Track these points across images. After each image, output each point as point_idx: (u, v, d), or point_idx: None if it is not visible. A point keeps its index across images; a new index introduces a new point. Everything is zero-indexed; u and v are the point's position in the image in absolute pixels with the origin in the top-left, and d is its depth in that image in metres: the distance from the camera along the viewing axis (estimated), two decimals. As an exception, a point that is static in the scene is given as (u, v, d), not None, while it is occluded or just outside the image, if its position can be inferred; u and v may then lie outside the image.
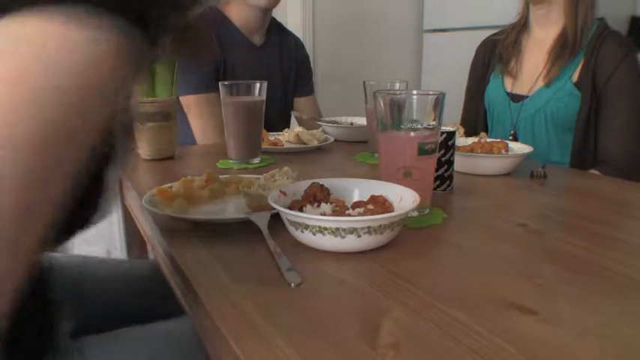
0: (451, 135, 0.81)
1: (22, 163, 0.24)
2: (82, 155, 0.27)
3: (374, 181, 0.68)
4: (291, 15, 2.49)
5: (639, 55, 1.27)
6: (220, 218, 0.68)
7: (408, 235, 0.62)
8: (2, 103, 0.24)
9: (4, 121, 0.23)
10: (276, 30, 1.63)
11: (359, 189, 0.67)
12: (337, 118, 1.46)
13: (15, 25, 0.26)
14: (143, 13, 0.29)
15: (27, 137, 0.24)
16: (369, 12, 2.67)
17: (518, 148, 0.99)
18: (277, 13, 1.63)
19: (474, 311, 0.43)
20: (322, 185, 0.64)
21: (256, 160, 1.06)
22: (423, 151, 0.68)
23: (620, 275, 0.52)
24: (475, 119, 1.53)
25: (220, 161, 1.06)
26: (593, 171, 1.22)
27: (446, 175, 0.82)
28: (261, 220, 0.62)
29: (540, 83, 1.33)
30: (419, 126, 0.68)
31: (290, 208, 0.59)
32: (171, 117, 1.09)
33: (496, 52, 1.46)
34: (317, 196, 0.62)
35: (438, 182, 0.81)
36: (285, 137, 1.24)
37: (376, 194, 0.63)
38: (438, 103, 0.68)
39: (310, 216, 0.55)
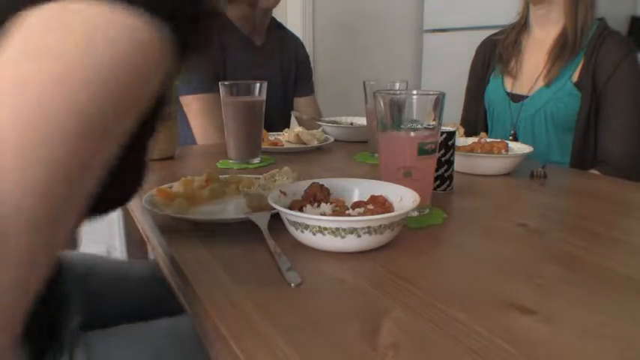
0: (451, 135, 0.81)
1: (75, 148, 0.25)
2: (124, 137, 0.29)
3: (374, 181, 0.68)
4: (291, 15, 2.49)
5: (639, 55, 1.27)
6: (220, 218, 0.68)
7: (408, 235, 0.62)
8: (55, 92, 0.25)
9: (54, 108, 0.24)
10: (276, 30, 1.63)
11: (359, 189, 0.67)
12: (337, 118, 1.46)
13: (66, 10, 0.26)
14: (175, 12, 0.29)
15: (72, 126, 0.25)
16: (369, 12, 2.67)
17: (518, 148, 0.99)
18: (277, 13, 1.63)
19: (474, 311, 0.43)
20: (322, 185, 0.64)
21: (256, 160, 1.06)
22: (423, 151, 0.68)
23: (620, 275, 0.52)
24: (475, 119, 1.53)
25: (220, 161, 1.06)
26: (593, 171, 1.22)
27: (446, 175, 0.82)
28: (261, 220, 0.62)
29: (540, 83, 1.33)
30: (419, 126, 0.68)
31: (290, 208, 0.59)
32: (171, 117, 1.09)
33: (496, 52, 1.46)
34: (317, 196, 0.62)
35: (438, 182, 0.81)
36: (285, 137, 1.24)
37: (376, 194, 0.63)
38: (438, 103, 0.68)
39: (310, 216, 0.55)
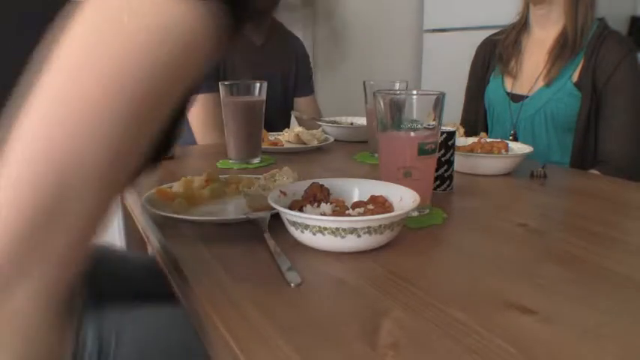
0: (451, 135, 0.81)
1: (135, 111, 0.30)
2: (175, 103, 0.33)
3: (374, 181, 0.68)
4: (291, 15, 2.49)
5: (639, 55, 1.27)
6: (220, 218, 0.68)
7: (408, 235, 0.62)
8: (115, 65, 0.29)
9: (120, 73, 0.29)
10: (276, 29, 1.63)
11: (359, 189, 0.67)
12: (337, 118, 1.46)
13: None
14: None
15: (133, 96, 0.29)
16: (369, 12, 2.67)
17: (518, 148, 0.99)
18: (277, 13, 1.63)
19: (474, 311, 0.43)
20: (322, 185, 0.64)
21: (256, 160, 1.06)
22: (423, 151, 0.68)
23: (619, 275, 0.52)
24: (475, 119, 1.52)
25: (220, 161, 1.06)
26: (593, 171, 1.22)
27: (446, 175, 0.82)
28: (261, 220, 0.62)
29: (540, 83, 1.33)
30: (419, 126, 0.68)
31: (290, 208, 0.59)
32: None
33: (496, 52, 1.46)
34: (317, 196, 0.62)
35: (438, 182, 0.81)
36: (285, 137, 1.24)
37: (376, 194, 0.63)
38: (438, 103, 0.68)
39: (310, 216, 0.55)
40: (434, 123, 0.69)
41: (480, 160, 0.93)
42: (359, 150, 1.17)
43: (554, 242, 0.62)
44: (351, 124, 1.40)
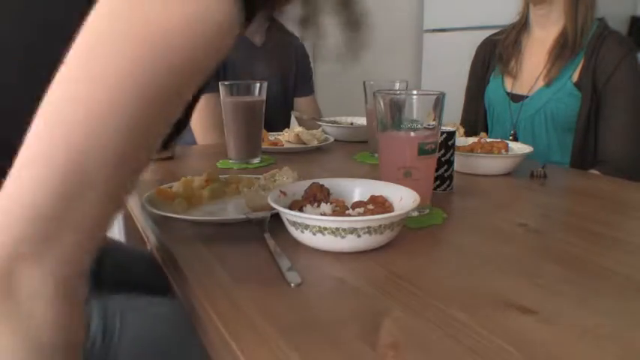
0: (451, 135, 0.81)
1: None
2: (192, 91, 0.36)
3: (374, 181, 0.68)
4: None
5: (639, 55, 1.27)
6: (220, 218, 0.68)
7: (408, 235, 0.62)
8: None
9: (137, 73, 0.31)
10: (276, 29, 1.63)
11: (359, 189, 0.67)
12: (337, 118, 1.46)
13: None
14: None
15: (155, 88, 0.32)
16: (368, 12, 2.67)
17: (518, 148, 0.99)
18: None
19: (474, 311, 0.43)
20: (322, 185, 0.64)
21: (256, 160, 1.06)
22: (423, 151, 0.68)
23: (620, 275, 0.52)
24: (475, 119, 1.52)
25: (220, 161, 1.06)
26: (593, 171, 1.22)
27: (446, 175, 0.82)
28: (261, 220, 0.62)
29: (540, 83, 1.33)
30: (419, 126, 0.68)
31: (290, 208, 0.59)
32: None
33: (496, 52, 1.46)
34: (317, 196, 0.62)
35: (438, 182, 0.81)
36: (285, 137, 1.24)
37: (376, 194, 0.63)
38: (438, 103, 0.68)
39: (310, 216, 0.55)
40: (434, 123, 0.69)
41: (480, 160, 0.93)
42: (359, 150, 1.17)
43: (554, 242, 0.62)
44: (351, 124, 1.40)
